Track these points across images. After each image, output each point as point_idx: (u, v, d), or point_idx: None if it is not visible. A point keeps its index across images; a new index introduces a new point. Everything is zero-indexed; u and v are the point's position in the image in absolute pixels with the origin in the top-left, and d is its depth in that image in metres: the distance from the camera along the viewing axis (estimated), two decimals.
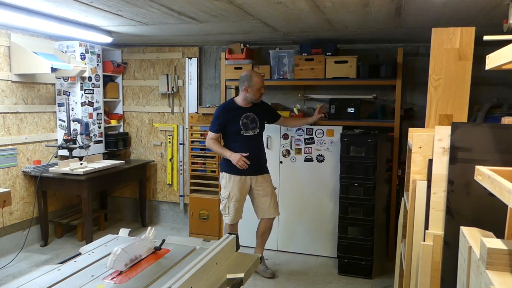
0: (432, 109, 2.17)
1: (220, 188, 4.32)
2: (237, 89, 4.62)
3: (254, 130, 3.41)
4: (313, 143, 3.94)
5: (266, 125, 3.60)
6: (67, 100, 4.19)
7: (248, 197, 3.52)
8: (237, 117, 3.36)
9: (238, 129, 3.35)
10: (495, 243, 0.96)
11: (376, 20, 2.99)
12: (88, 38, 3.87)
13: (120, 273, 1.71)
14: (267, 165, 3.57)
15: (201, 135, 4.44)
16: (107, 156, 4.67)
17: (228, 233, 2.07)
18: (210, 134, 3.43)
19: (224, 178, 3.43)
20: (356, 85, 3.99)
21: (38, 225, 4.17)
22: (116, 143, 4.77)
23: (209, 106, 4.42)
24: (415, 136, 1.96)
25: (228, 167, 3.38)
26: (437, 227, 1.67)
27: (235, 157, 3.27)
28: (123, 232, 2.27)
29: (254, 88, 3.33)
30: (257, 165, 3.42)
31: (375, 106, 4.08)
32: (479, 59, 1.96)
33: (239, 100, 3.44)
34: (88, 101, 4.36)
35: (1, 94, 3.77)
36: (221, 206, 3.46)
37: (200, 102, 4.75)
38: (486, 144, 1.48)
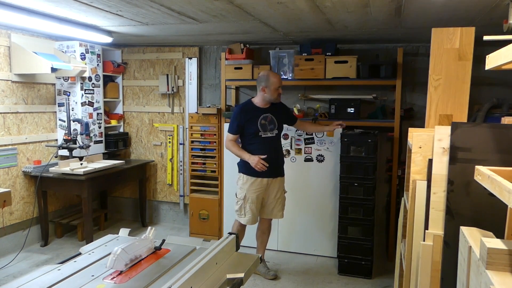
0: (432, 109, 2.17)
1: (221, 187, 4.39)
2: (237, 89, 4.63)
3: (273, 132, 3.38)
4: (313, 143, 3.94)
5: None
6: (67, 100, 4.19)
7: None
8: (255, 118, 3.32)
9: (256, 130, 3.32)
10: (495, 243, 0.95)
11: (376, 20, 2.99)
12: (88, 38, 3.87)
13: (120, 273, 1.71)
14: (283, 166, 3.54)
15: (201, 135, 4.44)
16: (107, 156, 4.67)
17: (229, 233, 2.07)
18: (229, 136, 3.39)
19: (241, 179, 3.40)
20: (356, 85, 3.99)
21: (38, 225, 4.17)
22: (116, 143, 4.77)
23: (209, 106, 4.42)
24: (415, 136, 1.96)
25: (245, 168, 3.35)
26: (437, 227, 1.67)
27: (253, 160, 3.22)
28: (123, 232, 2.27)
29: (272, 88, 3.29)
30: (274, 167, 3.38)
31: (375, 106, 4.09)
32: (479, 59, 1.96)
33: (257, 100, 3.40)
34: (88, 101, 4.36)
35: (1, 94, 3.77)
36: (236, 207, 3.42)
37: (200, 102, 4.75)
38: (486, 144, 1.48)
